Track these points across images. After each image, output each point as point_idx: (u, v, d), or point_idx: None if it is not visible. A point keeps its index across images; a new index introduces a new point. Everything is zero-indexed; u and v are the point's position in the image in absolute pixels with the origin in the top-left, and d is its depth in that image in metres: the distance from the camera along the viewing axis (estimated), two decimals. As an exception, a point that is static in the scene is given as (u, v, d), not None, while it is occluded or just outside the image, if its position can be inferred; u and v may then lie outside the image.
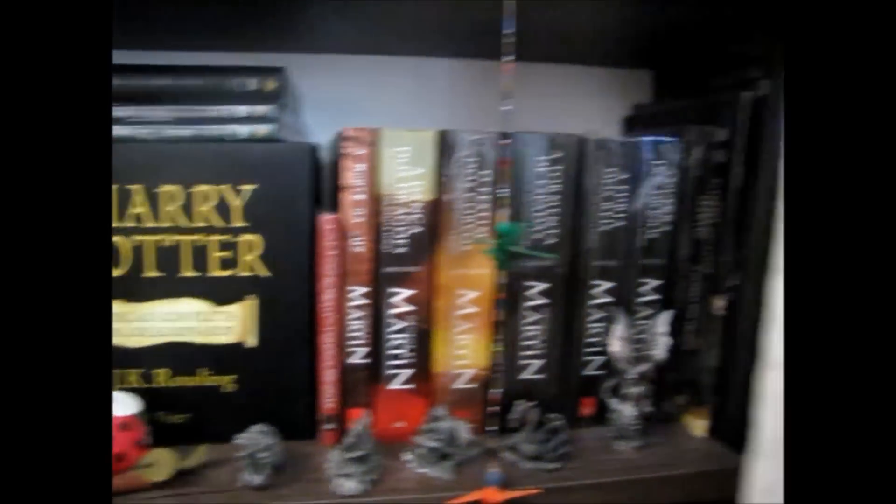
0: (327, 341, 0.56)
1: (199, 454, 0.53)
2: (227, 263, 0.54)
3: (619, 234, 0.59)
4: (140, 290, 0.54)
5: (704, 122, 0.59)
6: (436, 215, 0.56)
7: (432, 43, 0.71)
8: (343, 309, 0.56)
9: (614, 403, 0.60)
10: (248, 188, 0.54)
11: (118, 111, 0.53)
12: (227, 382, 0.56)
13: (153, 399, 0.55)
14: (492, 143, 0.55)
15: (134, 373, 0.55)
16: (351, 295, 0.55)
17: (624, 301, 0.61)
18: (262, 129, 0.55)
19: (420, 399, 0.59)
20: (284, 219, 0.54)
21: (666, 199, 0.60)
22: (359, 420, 0.53)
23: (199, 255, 0.54)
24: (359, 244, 0.55)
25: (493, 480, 0.51)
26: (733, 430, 0.59)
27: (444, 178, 0.55)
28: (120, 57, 0.47)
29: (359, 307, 0.56)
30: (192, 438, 0.55)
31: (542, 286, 0.58)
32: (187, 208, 0.53)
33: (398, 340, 0.57)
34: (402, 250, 0.55)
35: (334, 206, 0.56)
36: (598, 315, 0.60)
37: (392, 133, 0.54)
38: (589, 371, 0.61)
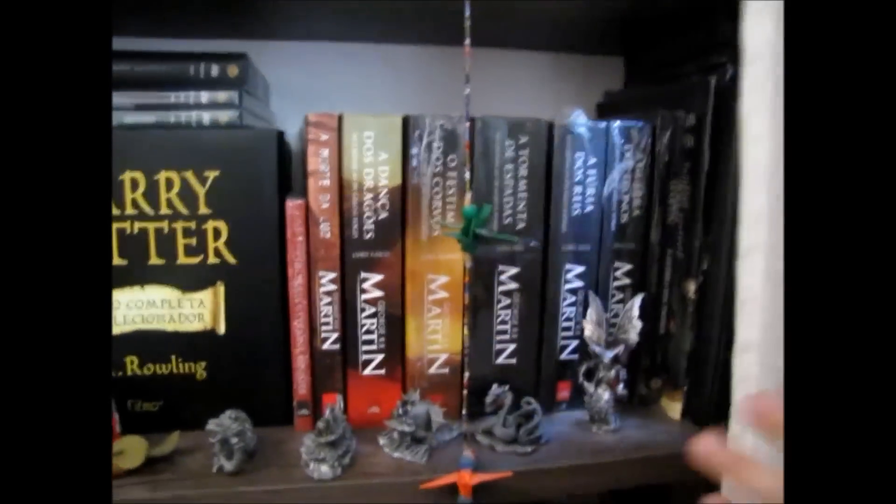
0: (298, 327, 0.56)
1: (171, 441, 0.53)
2: (193, 250, 0.54)
3: (591, 218, 0.59)
4: (107, 279, 0.54)
5: (674, 108, 0.59)
6: (403, 200, 0.56)
7: (401, 29, 0.70)
8: (313, 295, 0.56)
9: (589, 387, 0.60)
10: (212, 174, 0.53)
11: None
12: (198, 370, 0.56)
13: (124, 387, 0.55)
14: (458, 127, 0.54)
15: (103, 361, 0.55)
16: (321, 281, 0.55)
17: (596, 285, 0.61)
18: (224, 116, 0.54)
19: (393, 384, 0.59)
20: (250, 205, 0.54)
21: (636, 184, 0.59)
22: (331, 405, 0.53)
23: (165, 242, 0.54)
24: (327, 230, 0.54)
25: (467, 464, 0.51)
26: (708, 413, 0.59)
27: (411, 163, 0.55)
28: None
29: (329, 293, 0.56)
30: (165, 426, 0.55)
31: (513, 270, 0.58)
32: (151, 195, 0.53)
33: (370, 326, 0.57)
34: (370, 236, 0.55)
35: (305, 193, 0.56)
36: (571, 299, 0.60)
37: (357, 118, 0.53)
38: (564, 355, 0.61)
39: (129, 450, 0.51)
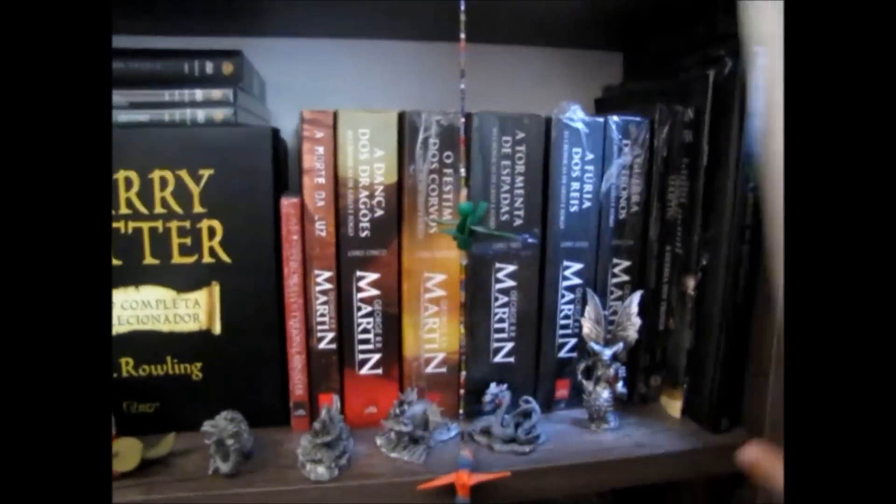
0: (294, 327, 0.56)
1: (167, 443, 0.52)
2: (188, 250, 0.54)
3: (589, 214, 0.59)
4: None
5: (672, 102, 0.58)
6: (399, 198, 0.55)
7: (398, 26, 0.70)
8: (309, 294, 0.55)
9: (588, 386, 0.59)
10: (207, 173, 0.53)
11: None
12: (194, 370, 0.56)
13: (119, 388, 0.55)
14: (454, 124, 0.54)
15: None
16: (317, 280, 0.55)
17: (595, 282, 0.60)
18: (219, 113, 0.54)
19: (391, 384, 0.58)
20: (245, 204, 0.54)
21: (635, 180, 0.59)
22: (327, 405, 0.52)
23: (160, 241, 0.53)
24: (322, 228, 0.54)
25: (465, 464, 0.50)
26: (708, 410, 0.58)
27: (407, 160, 0.54)
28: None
29: (325, 292, 0.55)
30: (161, 427, 0.54)
31: (511, 268, 0.57)
32: (145, 194, 0.52)
33: (366, 325, 0.56)
34: (366, 234, 0.55)
35: (300, 191, 0.55)
36: (569, 297, 0.60)
37: (352, 114, 0.53)
38: (562, 354, 0.61)
39: (125, 452, 0.50)
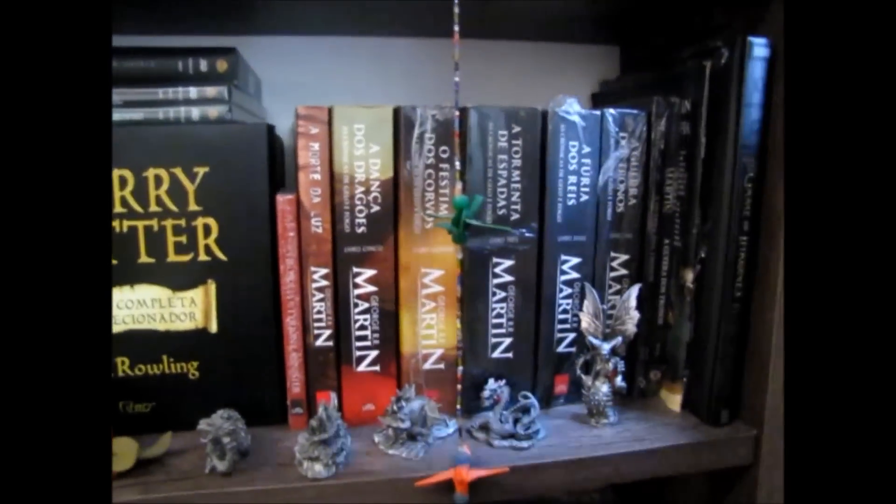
0: (291, 324, 0.55)
1: (163, 443, 0.52)
2: (183, 248, 0.53)
3: (586, 208, 0.58)
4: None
5: (669, 95, 0.58)
6: (395, 193, 0.55)
7: (394, 22, 0.69)
8: (306, 291, 0.55)
9: (587, 380, 0.59)
10: (202, 170, 0.52)
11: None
12: (190, 369, 0.56)
13: (115, 388, 0.54)
14: (450, 118, 0.54)
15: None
16: (313, 276, 0.54)
17: (593, 276, 0.60)
18: (214, 111, 0.53)
19: (388, 381, 0.58)
20: (241, 201, 0.53)
21: (632, 173, 0.59)
22: (324, 402, 0.52)
23: (155, 240, 0.53)
24: (318, 224, 0.54)
25: (463, 460, 0.50)
26: (707, 403, 0.58)
27: (403, 155, 0.54)
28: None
29: (321, 289, 0.55)
30: (157, 427, 0.54)
31: (508, 263, 0.57)
32: (140, 193, 0.52)
33: (363, 321, 0.56)
34: (362, 230, 0.54)
35: (296, 188, 0.55)
36: (567, 291, 0.59)
37: (347, 110, 0.53)
38: (560, 348, 0.61)
39: (121, 452, 0.50)
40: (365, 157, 0.53)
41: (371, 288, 0.56)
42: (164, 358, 0.55)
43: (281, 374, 0.57)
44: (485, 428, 0.56)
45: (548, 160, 0.56)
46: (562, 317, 0.60)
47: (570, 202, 0.58)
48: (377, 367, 0.57)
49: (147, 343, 0.54)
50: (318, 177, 0.53)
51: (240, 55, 0.57)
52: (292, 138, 0.60)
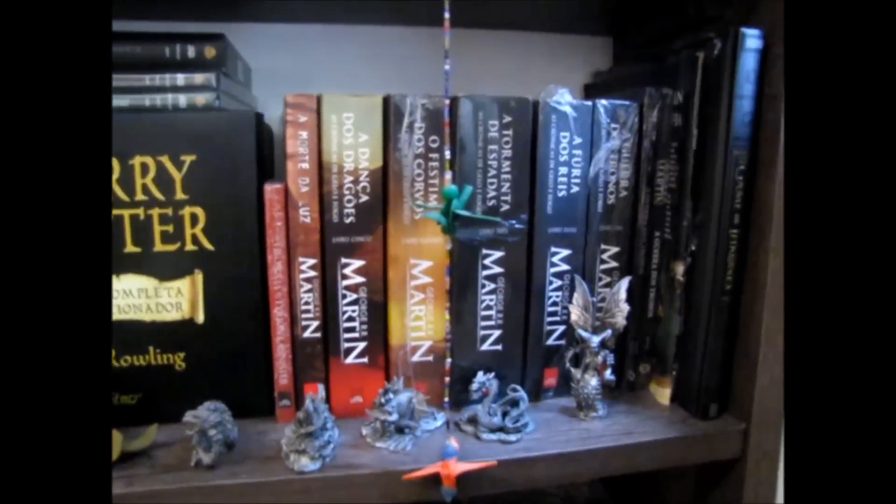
0: (279, 315, 0.55)
1: (149, 435, 0.51)
2: (170, 238, 0.53)
3: (577, 199, 0.58)
4: (81, 268, 0.52)
5: (662, 86, 0.58)
6: (385, 183, 0.54)
7: (386, 9, 0.69)
8: (294, 281, 0.54)
9: (576, 373, 0.59)
10: (189, 159, 0.52)
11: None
12: (177, 360, 0.55)
13: (100, 379, 0.54)
14: (440, 108, 0.53)
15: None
16: (301, 267, 0.54)
17: (583, 268, 0.59)
18: (201, 98, 0.53)
19: (377, 373, 0.58)
20: (228, 190, 0.53)
21: (623, 164, 0.58)
22: (311, 394, 0.51)
23: (141, 229, 0.52)
24: (306, 214, 0.53)
25: (451, 454, 0.49)
26: (696, 397, 0.58)
27: (393, 145, 0.53)
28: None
29: (309, 279, 0.54)
30: (143, 419, 0.54)
31: (498, 254, 0.57)
32: (126, 181, 0.51)
33: (352, 313, 0.56)
34: (350, 220, 0.54)
35: (285, 177, 0.54)
36: (557, 283, 0.59)
37: (336, 98, 0.52)
38: (550, 341, 0.60)
39: (105, 443, 0.49)
40: (354, 146, 0.53)
41: (359, 279, 0.55)
42: (151, 349, 0.54)
43: (268, 365, 0.56)
44: (473, 421, 0.56)
45: (539, 151, 0.56)
46: (551, 309, 0.59)
47: (561, 193, 0.57)
48: (365, 359, 0.57)
49: (133, 334, 0.54)
50: (306, 166, 0.52)
51: (228, 42, 0.56)
52: (282, 127, 0.60)
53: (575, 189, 0.57)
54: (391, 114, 0.53)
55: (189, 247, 0.53)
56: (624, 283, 0.58)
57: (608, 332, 0.58)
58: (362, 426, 0.55)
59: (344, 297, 0.55)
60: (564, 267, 0.59)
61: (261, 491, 0.48)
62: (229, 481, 0.48)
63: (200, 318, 0.55)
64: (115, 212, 0.52)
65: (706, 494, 0.64)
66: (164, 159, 0.51)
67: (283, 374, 0.56)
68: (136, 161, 0.51)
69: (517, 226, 0.57)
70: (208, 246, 0.53)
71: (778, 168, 0.51)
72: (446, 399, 0.55)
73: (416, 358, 0.58)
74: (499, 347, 0.59)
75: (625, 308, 0.57)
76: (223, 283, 0.54)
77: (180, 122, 0.52)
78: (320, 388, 0.55)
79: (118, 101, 0.52)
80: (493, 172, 0.55)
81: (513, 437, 0.54)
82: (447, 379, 0.54)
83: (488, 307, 0.58)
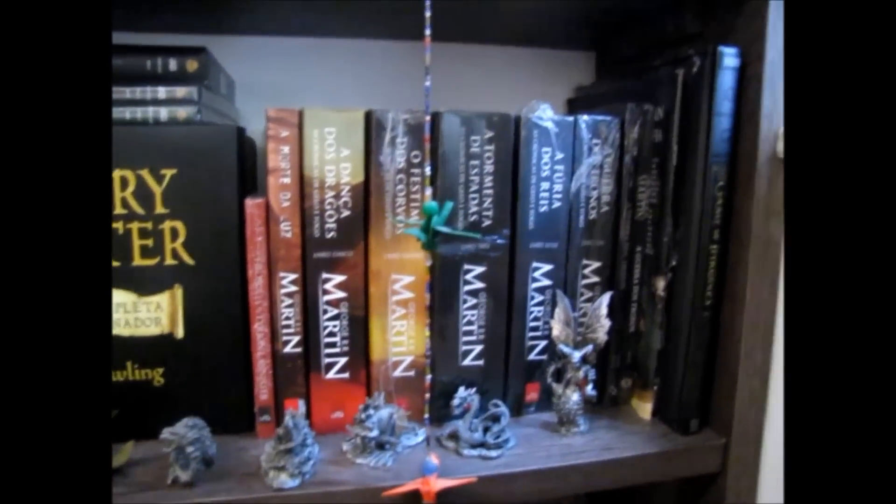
0: (259, 330, 0.54)
1: (125, 452, 0.51)
2: (149, 252, 0.52)
3: (558, 215, 0.58)
4: (58, 282, 0.51)
5: (643, 102, 0.58)
6: (366, 198, 0.54)
7: (368, 24, 0.69)
8: (274, 296, 0.54)
9: (557, 388, 0.58)
10: (169, 173, 0.51)
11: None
12: (155, 376, 0.54)
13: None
14: (422, 123, 0.53)
15: (55, 368, 0.53)
16: (282, 282, 0.54)
17: (564, 284, 0.60)
18: (183, 112, 0.52)
19: (358, 388, 0.57)
20: (209, 204, 0.53)
21: (605, 179, 0.59)
22: (291, 410, 0.51)
23: (120, 243, 0.52)
24: (287, 229, 0.53)
25: (431, 470, 0.49)
26: (677, 412, 0.58)
27: (374, 160, 0.53)
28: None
29: (290, 294, 0.54)
30: (121, 436, 0.53)
31: (479, 269, 0.57)
32: (104, 194, 0.51)
33: (333, 328, 0.55)
34: (332, 235, 0.54)
35: (266, 191, 0.54)
36: (538, 299, 0.59)
37: (318, 113, 0.52)
38: (531, 356, 0.60)
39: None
40: (336, 160, 0.53)
41: (341, 294, 0.55)
42: (129, 364, 0.54)
43: (248, 381, 0.56)
44: (454, 437, 0.56)
45: (520, 166, 0.56)
46: (533, 324, 0.59)
47: (543, 209, 0.57)
48: (346, 375, 0.57)
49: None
50: (287, 181, 0.52)
51: (211, 55, 0.56)
52: (265, 141, 0.60)
53: (557, 204, 0.58)
54: (373, 129, 0.53)
55: (169, 261, 0.53)
56: (605, 299, 0.58)
57: (589, 348, 0.58)
58: (343, 442, 0.55)
59: (325, 312, 0.55)
60: (546, 282, 0.59)
61: (238, 509, 0.48)
62: (207, 499, 0.47)
63: (180, 332, 0.54)
64: (94, 226, 0.51)
65: (687, 509, 0.64)
66: (144, 173, 0.51)
67: (263, 389, 0.55)
68: (116, 174, 0.51)
69: (499, 241, 0.57)
70: (188, 260, 0.53)
71: (756, 184, 0.52)
72: (427, 415, 0.54)
73: (397, 373, 0.57)
74: (480, 363, 0.59)
75: (606, 323, 0.58)
76: (203, 297, 0.54)
77: (161, 135, 0.51)
78: (301, 403, 0.55)
79: (98, 114, 0.52)
80: (475, 187, 0.55)
81: (494, 453, 0.54)
82: (428, 395, 0.53)
83: (470, 322, 0.58)
